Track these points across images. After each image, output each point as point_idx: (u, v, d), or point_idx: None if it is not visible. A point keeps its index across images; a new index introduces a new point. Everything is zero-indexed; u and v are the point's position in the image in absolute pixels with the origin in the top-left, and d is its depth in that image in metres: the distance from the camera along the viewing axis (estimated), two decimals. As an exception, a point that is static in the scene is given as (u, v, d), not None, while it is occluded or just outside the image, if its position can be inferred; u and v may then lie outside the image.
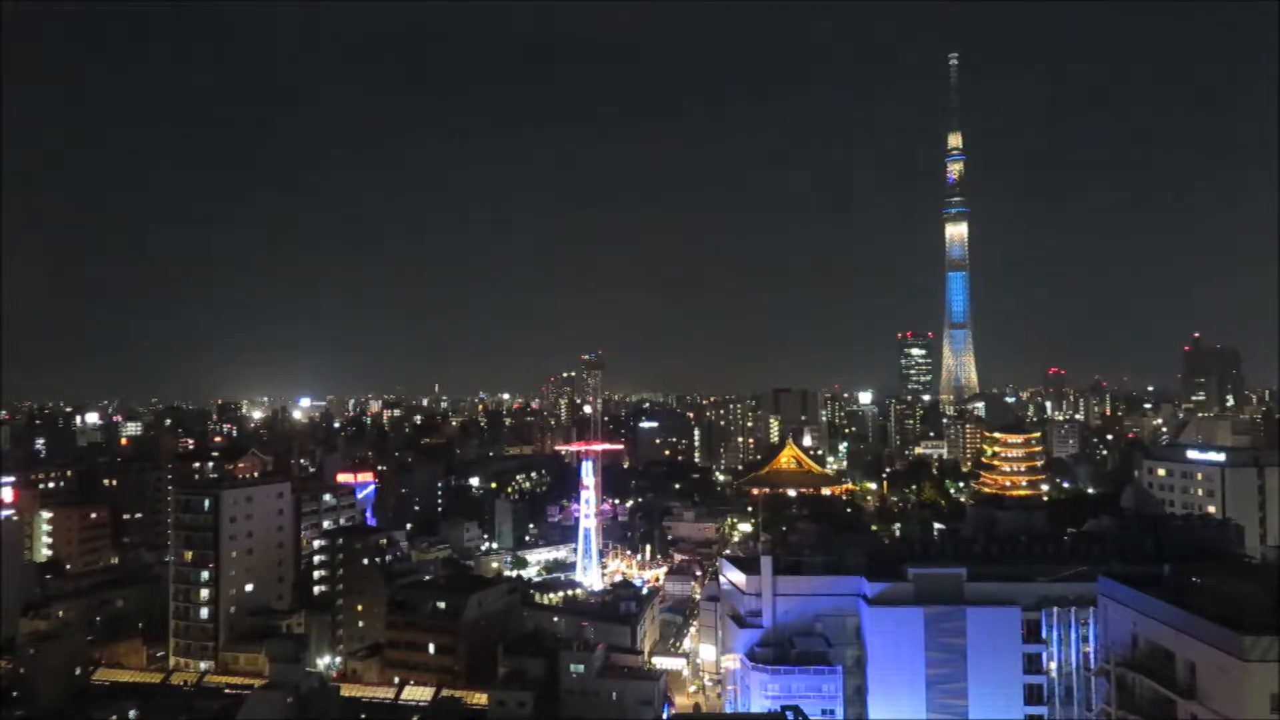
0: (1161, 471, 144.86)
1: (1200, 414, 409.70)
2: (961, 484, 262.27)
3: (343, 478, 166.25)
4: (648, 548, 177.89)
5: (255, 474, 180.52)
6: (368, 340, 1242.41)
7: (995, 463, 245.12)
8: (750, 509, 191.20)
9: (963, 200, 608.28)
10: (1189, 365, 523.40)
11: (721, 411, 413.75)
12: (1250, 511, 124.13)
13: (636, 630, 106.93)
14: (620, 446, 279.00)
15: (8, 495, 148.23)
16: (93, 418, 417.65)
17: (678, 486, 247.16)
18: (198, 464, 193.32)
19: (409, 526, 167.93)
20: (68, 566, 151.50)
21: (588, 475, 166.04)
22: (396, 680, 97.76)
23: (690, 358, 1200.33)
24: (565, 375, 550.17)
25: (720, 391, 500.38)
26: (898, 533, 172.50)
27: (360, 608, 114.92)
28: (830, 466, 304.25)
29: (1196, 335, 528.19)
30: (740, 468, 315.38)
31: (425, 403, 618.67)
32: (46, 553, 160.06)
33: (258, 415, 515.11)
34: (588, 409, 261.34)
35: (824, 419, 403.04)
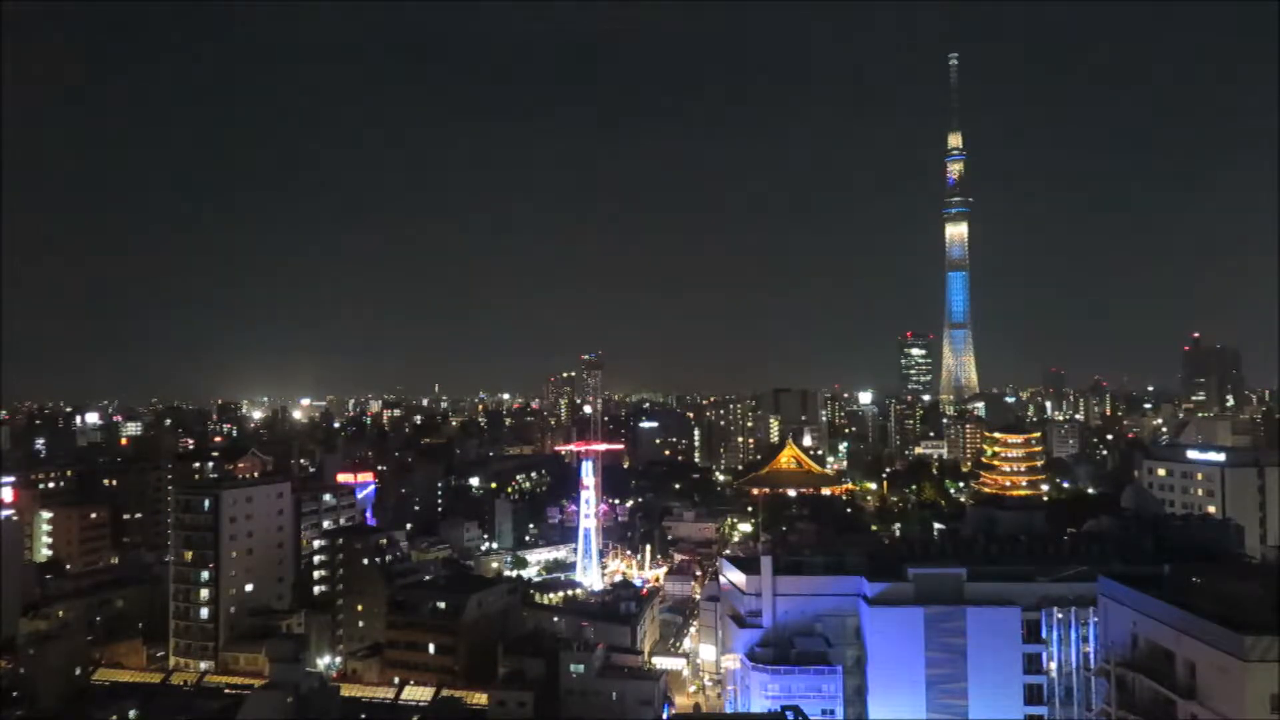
0: (1161, 471, 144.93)
1: (1200, 414, 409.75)
2: (961, 484, 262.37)
3: (343, 478, 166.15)
4: (648, 548, 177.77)
5: (255, 474, 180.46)
6: (368, 340, 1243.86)
7: (995, 463, 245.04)
8: (750, 509, 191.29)
9: (963, 200, 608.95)
10: (1189, 365, 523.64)
11: (721, 411, 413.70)
12: (1250, 511, 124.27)
13: (636, 630, 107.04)
14: (620, 446, 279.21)
15: (8, 495, 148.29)
16: (93, 418, 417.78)
17: (678, 486, 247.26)
18: (198, 464, 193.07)
19: (409, 526, 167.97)
20: (68, 566, 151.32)
21: (588, 475, 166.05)
22: (396, 680, 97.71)
23: (690, 358, 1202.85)
24: (565, 375, 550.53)
25: (720, 391, 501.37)
26: (898, 533, 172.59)
27: (360, 608, 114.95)
28: (830, 466, 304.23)
29: (1196, 335, 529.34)
30: (740, 468, 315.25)
31: (425, 403, 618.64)
32: (46, 553, 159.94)
33: (258, 415, 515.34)
34: (588, 409, 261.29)
35: (824, 419, 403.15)
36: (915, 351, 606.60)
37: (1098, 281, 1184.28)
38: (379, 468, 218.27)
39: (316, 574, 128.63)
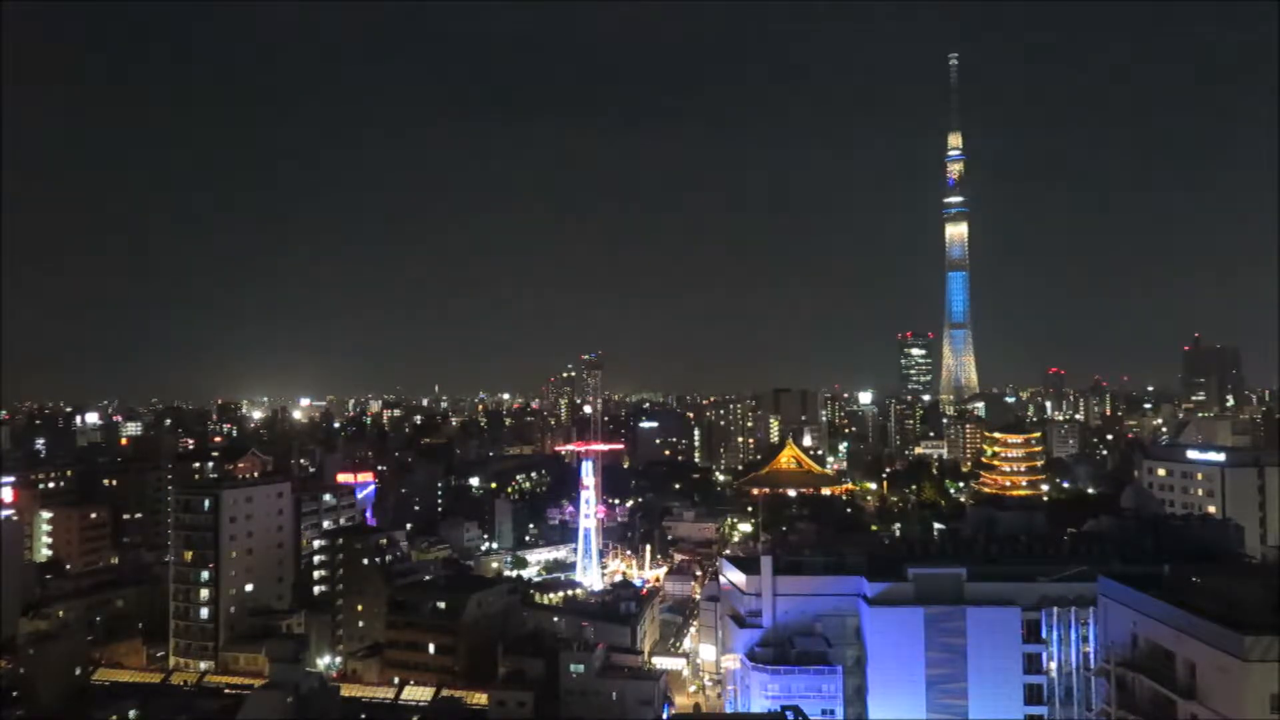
0: (1161, 471, 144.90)
1: (1200, 414, 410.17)
2: (961, 484, 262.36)
3: (343, 478, 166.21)
4: (648, 548, 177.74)
5: (255, 474, 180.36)
6: (368, 340, 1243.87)
7: (995, 463, 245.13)
8: (750, 509, 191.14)
9: (963, 200, 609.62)
10: (1189, 365, 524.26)
11: (721, 411, 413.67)
12: (1250, 511, 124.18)
13: (636, 630, 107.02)
14: (620, 446, 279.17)
15: (8, 495, 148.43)
16: (93, 418, 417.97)
17: (678, 487, 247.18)
18: (198, 464, 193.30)
19: (409, 526, 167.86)
20: (68, 566, 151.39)
21: (587, 475, 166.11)
22: (396, 680, 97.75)
23: (690, 358, 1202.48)
24: (565, 375, 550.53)
25: (720, 391, 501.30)
26: (898, 533, 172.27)
27: (360, 608, 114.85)
28: (830, 466, 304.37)
29: (1196, 335, 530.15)
30: (740, 468, 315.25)
31: (425, 403, 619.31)
32: (46, 553, 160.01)
33: (258, 415, 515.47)
34: (588, 409, 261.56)
35: (824, 419, 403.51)
36: (915, 351, 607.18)
37: (1098, 281, 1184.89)
38: (379, 468, 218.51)
39: (316, 574, 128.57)
